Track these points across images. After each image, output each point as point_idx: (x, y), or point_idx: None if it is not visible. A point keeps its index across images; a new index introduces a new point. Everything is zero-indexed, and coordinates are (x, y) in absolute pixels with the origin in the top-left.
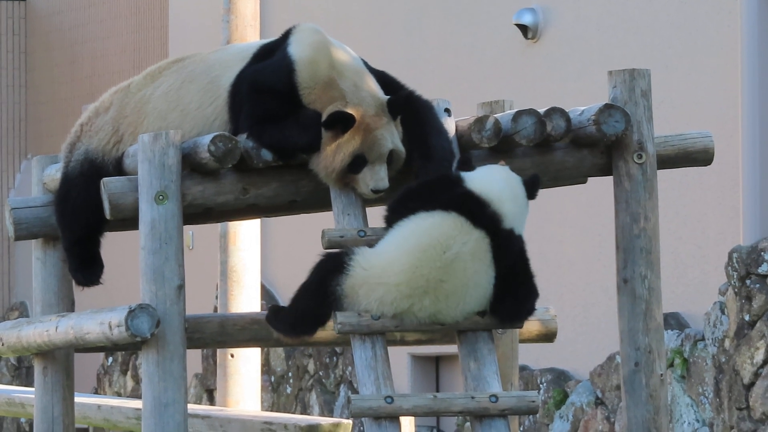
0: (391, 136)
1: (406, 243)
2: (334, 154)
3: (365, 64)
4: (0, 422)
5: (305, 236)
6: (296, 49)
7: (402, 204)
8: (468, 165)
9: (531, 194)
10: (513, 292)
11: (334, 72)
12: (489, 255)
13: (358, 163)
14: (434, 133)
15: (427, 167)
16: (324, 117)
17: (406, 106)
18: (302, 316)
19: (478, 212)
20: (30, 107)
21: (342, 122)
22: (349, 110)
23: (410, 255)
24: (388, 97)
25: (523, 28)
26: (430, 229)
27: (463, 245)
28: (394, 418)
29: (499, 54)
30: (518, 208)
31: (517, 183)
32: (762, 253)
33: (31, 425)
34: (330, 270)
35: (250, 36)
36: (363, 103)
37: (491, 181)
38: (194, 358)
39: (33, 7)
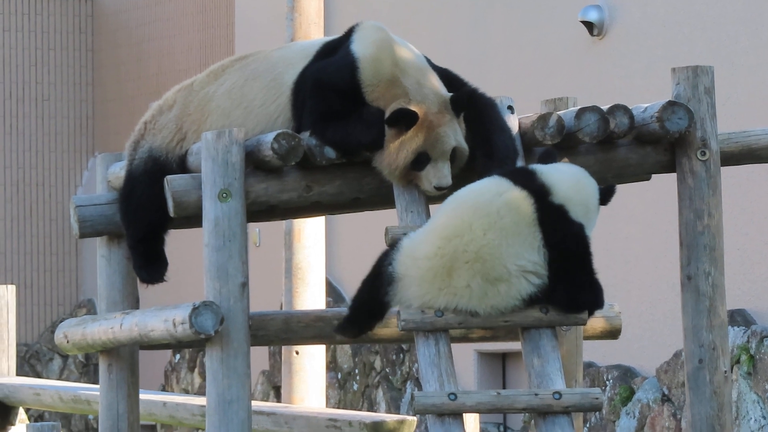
0: (455, 134)
1: (448, 204)
2: (397, 151)
3: (428, 61)
4: (68, 419)
5: (371, 233)
6: (359, 47)
7: None
8: (551, 157)
9: (603, 200)
10: (567, 279)
11: (397, 69)
12: (533, 215)
13: (421, 160)
14: (497, 130)
15: (489, 165)
16: (387, 114)
17: (469, 104)
18: (359, 308)
19: (523, 178)
20: (97, 105)
21: (405, 119)
22: (412, 107)
23: (453, 209)
24: (451, 94)
25: (589, 25)
26: (472, 189)
27: (499, 196)
28: (457, 415)
29: (564, 51)
30: (578, 196)
31: (586, 178)
32: None
33: (98, 422)
34: (384, 253)
35: (314, 34)
36: (426, 100)
37: (550, 166)
38: (261, 355)
39: (100, 5)
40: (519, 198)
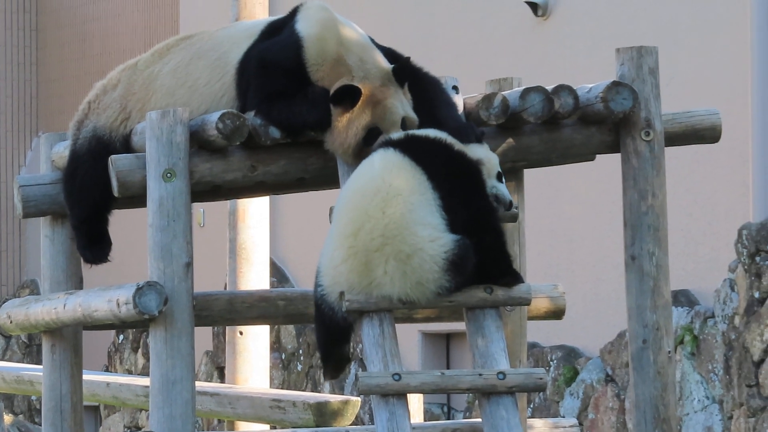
0: (401, 104)
1: (339, 204)
2: (346, 130)
3: (373, 41)
4: (10, 400)
5: (316, 213)
6: (304, 26)
7: None
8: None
9: (478, 138)
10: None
11: (342, 49)
12: (404, 159)
13: (372, 135)
14: (443, 106)
15: None
16: (331, 93)
17: (413, 78)
18: (324, 344)
19: (377, 146)
20: (41, 85)
21: (349, 96)
22: (356, 84)
23: (346, 205)
24: (393, 66)
25: (533, 5)
26: (351, 181)
27: (373, 167)
28: (401, 395)
29: (508, 31)
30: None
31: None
32: None
33: (41, 403)
34: (314, 285)
35: (259, 14)
36: (369, 75)
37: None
38: (205, 335)
39: None
40: (385, 156)
